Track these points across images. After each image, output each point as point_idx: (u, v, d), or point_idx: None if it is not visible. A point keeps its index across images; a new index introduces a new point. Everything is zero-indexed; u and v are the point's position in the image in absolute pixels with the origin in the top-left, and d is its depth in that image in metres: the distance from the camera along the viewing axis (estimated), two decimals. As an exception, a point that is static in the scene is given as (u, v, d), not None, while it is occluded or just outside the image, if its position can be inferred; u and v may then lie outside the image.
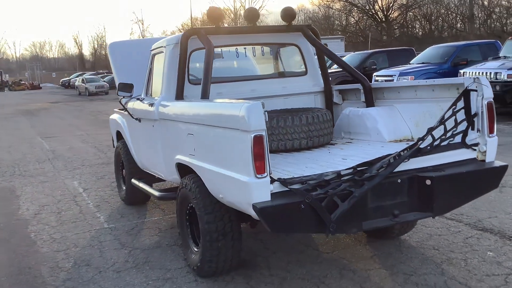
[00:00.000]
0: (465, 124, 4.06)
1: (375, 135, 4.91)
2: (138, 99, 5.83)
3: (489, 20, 46.83)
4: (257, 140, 3.34)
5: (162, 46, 5.47)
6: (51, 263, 5.02)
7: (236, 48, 5.65)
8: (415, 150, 3.79)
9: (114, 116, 7.22)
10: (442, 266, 4.48)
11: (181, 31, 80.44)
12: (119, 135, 7.10)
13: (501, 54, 14.40)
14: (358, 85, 5.43)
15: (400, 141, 4.81)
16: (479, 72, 13.12)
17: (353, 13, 58.21)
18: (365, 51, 20.57)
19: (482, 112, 4.05)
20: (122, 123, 6.68)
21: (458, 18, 48.92)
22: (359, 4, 55.73)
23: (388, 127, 4.87)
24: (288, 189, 3.48)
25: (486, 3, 45.25)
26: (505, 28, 45.53)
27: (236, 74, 5.77)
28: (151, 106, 5.29)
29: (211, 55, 4.86)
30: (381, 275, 4.35)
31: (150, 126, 5.41)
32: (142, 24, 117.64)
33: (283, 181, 3.49)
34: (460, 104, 4.07)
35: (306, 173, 3.76)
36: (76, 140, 14.02)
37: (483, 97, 4.02)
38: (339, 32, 54.64)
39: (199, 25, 72.54)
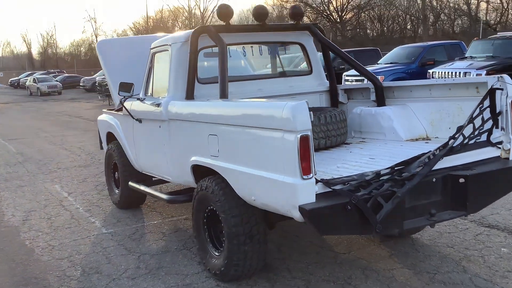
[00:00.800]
0: (490, 122, 4.09)
1: (390, 134, 4.90)
2: (138, 99, 5.62)
3: (438, 21, 48.22)
4: (304, 140, 3.26)
5: (166, 45, 5.29)
6: (57, 271, 4.77)
7: (243, 46, 5.54)
8: (448, 149, 3.79)
9: (104, 117, 6.96)
10: (462, 264, 4.52)
11: (132, 30, 79.43)
12: (110, 137, 6.86)
13: (467, 55, 14.77)
14: (364, 84, 5.42)
15: (416, 140, 4.82)
16: (448, 72, 13.42)
17: (308, 14, 58.70)
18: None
19: (506, 110, 4.09)
20: (115, 124, 6.44)
21: (407, 20, 50.15)
22: (314, 5, 56.27)
23: (404, 126, 4.87)
24: (330, 190, 3.41)
25: (435, 4, 46.55)
26: (454, 29, 47.07)
27: (243, 73, 5.66)
28: (158, 106, 5.11)
29: (225, 53, 4.74)
30: (406, 275, 4.35)
31: (155, 127, 5.22)
32: (95, 22, 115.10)
33: (326, 182, 3.41)
34: (486, 102, 4.10)
35: (341, 174, 3.70)
36: (43, 142, 13.50)
37: (507, 96, 4.06)
38: (294, 33, 55.02)
39: (152, 23, 71.65)
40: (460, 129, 3.94)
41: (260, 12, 5.20)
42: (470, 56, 14.50)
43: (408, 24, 51.78)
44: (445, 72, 13.49)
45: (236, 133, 3.87)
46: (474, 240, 5.04)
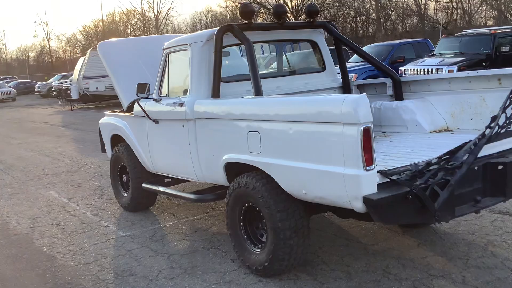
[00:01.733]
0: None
1: (413, 127, 5.06)
2: (154, 99, 5.58)
3: (389, 21, 49.46)
4: (366, 132, 3.34)
5: (184, 44, 5.28)
6: (89, 276, 4.69)
7: (261, 45, 5.59)
8: (487, 138, 3.95)
9: (108, 119, 6.86)
10: (489, 249, 4.70)
11: (82, 33, 77.66)
12: (114, 139, 6.76)
13: (436, 52, 15.27)
14: (379, 80, 5.56)
15: (439, 131, 4.99)
16: (421, 69, 13.84)
17: (262, 15, 58.97)
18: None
19: None
20: (123, 126, 6.36)
21: (359, 20, 51.22)
22: (269, 7, 56.56)
23: (426, 118, 5.04)
24: (388, 180, 3.51)
25: (384, 3, 47.73)
26: (405, 28, 48.35)
27: (262, 71, 5.70)
28: (181, 106, 5.09)
29: (253, 51, 4.79)
30: (440, 262, 4.49)
31: (177, 127, 5.20)
32: (47, 25, 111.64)
33: (384, 173, 3.51)
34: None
35: (391, 165, 3.81)
36: (18, 149, 13.12)
37: None
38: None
39: (102, 26, 70.39)
40: (494, 119, 4.11)
41: (279, 11, 5.26)
42: (439, 53, 15.00)
43: (359, 23, 52.79)
44: (417, 69, 13.90)
45: (283, 128, 3.91)
46: (491, 226, 5.25)
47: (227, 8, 64.70)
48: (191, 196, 5.31)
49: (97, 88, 25.48)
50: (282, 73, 5.74)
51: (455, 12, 45.62)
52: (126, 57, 6.71)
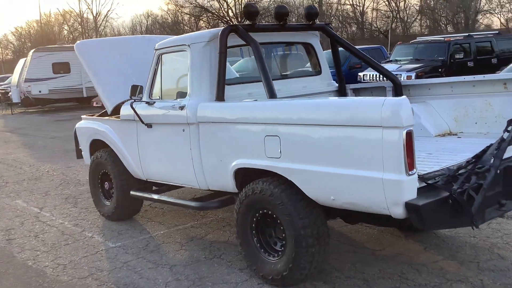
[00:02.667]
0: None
1: (418, 131, 5.03)
2: (147, 102, 5.31)
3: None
4: (409, 136, 3.26)
5: (182, 45, 5.05)
6: (89, 291, 4.38)
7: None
8: (508, 141, 3.97)
9: (87, 124, 6.50)
10: (495, 251, 4.75)
11: (14, 35, 74.45)
12: (94, 145, 6.41)
13: (392, 58, 15.61)
14: (377, 83, 5.54)
15: (443, 135, 5.00)
16: (378, 75, 14.07)
17: (206, 19, 58.65)
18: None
19: None
20: (106, 131, 6.03)
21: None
22: (213, 11, 56.40)
23: (430, 122, 5.04)
24: (425, 184, 3.45)
25: (327, 12, 48.66)
26: (347, 35, 49.46)
27: (273, 73, 5.54)
28: (181, 109, 4.86)
29: (261, 52, 4.65)
30: (453, 266, 4.48)
31: (176, 131, 4.97)
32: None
33: (422, 177, 3.44)
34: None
35: (420, 169, 3.75)
36: (-35, 156, 12.32)
37: None
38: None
39: (39, 27, 67.83)
40: (511, 122, 4.14)
41: (281, 12, 5.13)
42: (395, 59, 15.33)
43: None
44: (376, 75, 14.13)
45: (308, 133, 3.77)
46: (490, 229, 5.31)
47: (169, 12, 64.06)
48: (193, 204, 5.07)
49: (40, 92, 24.42)
50: (280, 76, 5.60)
51: (394, 21, 47.07)
52: (107, 58, 6.37)
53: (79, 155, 6.96)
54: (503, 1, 42.12)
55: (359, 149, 3.48)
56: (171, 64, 5.41)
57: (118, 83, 6.12)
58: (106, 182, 6.30)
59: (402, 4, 48.86)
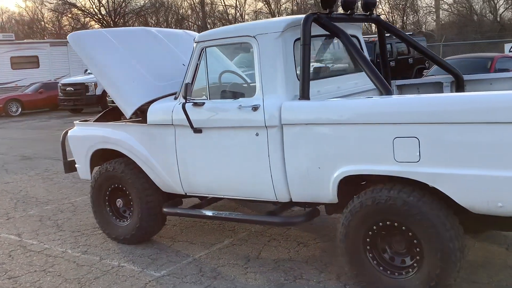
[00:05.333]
0: None
1: None
2: (195, 103, 4.54)
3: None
4: None
5: (243, 36, 4.37)
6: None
7: (334, 38, 4.89)
8: None
9: (88, 131, 5.47)
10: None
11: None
12: (96, 157, 5.42)
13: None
14: (433, 78, 5.29)
15: None
16: None
17: (72, 16, 55.20)
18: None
19: None
20: (124, 139, 5.09)
21: (190, 27, 51.17)
22: (83, 8, 53.28)
23: None
24: None
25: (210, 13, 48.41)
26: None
27: (328, 69, 5.00)
28: (254, 110, 4.19)
29: (354, 43, 4.16)
30: (475, 267, 4.26)
31: (246, 136, 4.28)
32: None
33: None
34: None
35: None
36: None
37: None
38: (47, 36, 51.97)
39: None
40: None
41: (349, 0, 4.65)
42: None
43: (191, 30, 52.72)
44: None
45: (467, 132, 3.33)
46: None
47: (27, 9, 59.86)
48: (273, 219, 4.41)
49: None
50: (338, 72, 5.10)
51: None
52: (110, 51, 5.39)
53: (69, 168, 5.86)
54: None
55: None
56: (219, 59, 4.69)
57: (134, 81, 5.21)
58: (119, 199, 5.34)
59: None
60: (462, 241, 3.59)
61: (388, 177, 3.75)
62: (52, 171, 9.32)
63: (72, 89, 19.53)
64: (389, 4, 41.08)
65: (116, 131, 5.19)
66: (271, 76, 4.22)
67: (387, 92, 3.90)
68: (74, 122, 5.70)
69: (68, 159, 5.85)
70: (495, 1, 36.39)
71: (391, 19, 38.92)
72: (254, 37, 4.30)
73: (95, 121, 5.70)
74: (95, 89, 19.29)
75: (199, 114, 4.53)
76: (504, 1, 35.95)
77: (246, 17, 48.64)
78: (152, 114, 4.88)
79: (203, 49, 4.59)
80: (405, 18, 41.36)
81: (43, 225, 6.17)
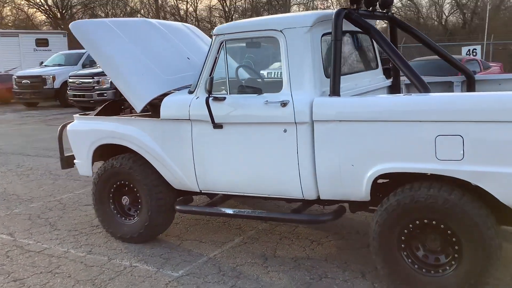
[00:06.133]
0: None
1: None
2: (216, 98, 4.40)
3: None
4: None
5: (269, 30, 4.27)
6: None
7: (356, 35, 4.84)
8: None
9: (91, 125, 5.22)
10: None
11: None
12: (98, 152, 5.20)
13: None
14: (444, 78, 5.34)
15: None
16: None
17: (16, 5, 53.03)
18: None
19: None
20: (134, 134, 4.88)
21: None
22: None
23: None
24: None
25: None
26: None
27: (351, 65, 4.94)
28: (283, 106, 4.10)
29: (385, 38, 4.14)
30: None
31: (273, 132, 4.18)
32: None
33: None
34: None
35: None
36: None
37: None
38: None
39: None
40: None
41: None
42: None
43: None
44: None
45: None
46: None
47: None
48: (299, 217, 4.33)
49: None
50: (355, 70, 5.06)
51: (230, 19, 47.66)
52: (116, 41, 5.16)
53: (66, 164, 5.59)
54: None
55: None
56: (240, 53, 4.57)
57: (144, 74, 5.01)
58: (125, 197, 5.12)
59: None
60: (500, 239, 3.63)
61: (420, 175, 3.75)
62: (25, 167, 8.88)
63: (29, 81, 18.68)
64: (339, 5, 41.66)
65: (125, 126, 4.97)
66: (299, 72, 4.14)
67: (426, 89, 3.89)
68: (74, 116, 5.42)
69: (65, 155, 5.58)
70: (442, 6, 37.66)
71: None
72: (281, 31, 4.21)
73: (96, 115, 5.45)
74: (53, 82, 18.55)
75: (220, 109, 4.40)
76: (449, 6, 37.26)
77: (201, 12, 48.40)
78: (167, 108, 4.70)
79: (222, 42, 4.46)
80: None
81: (34, 223, 5.85)
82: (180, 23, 6.40)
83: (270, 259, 4.65)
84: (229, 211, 4.67)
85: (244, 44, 4.69)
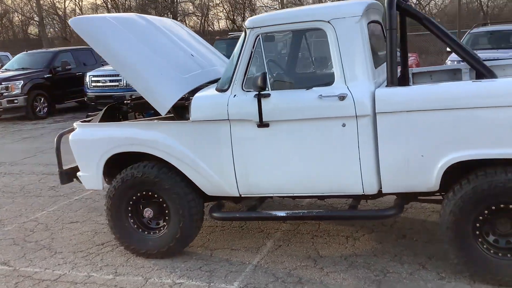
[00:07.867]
0: None
1: None
2: (261, 95, 4.11)
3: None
4: None
5: (315, 21, 4.07)
6: None
7: (376, 25, 4.70)
8: None
9: (101, 132, 4.68)
10: None
11: None
12: (110, 162, 4.69)
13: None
14: (448, 66, 5.42)
15: None
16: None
17: None
18: (48, 50, 17.82)
19: None
20: (160, 139, 4.43)
21: (25, 22, 46.94)
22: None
23: None
24: None
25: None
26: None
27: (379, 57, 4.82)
28: (341, 100, 3.93)
29: (440, 26, 4.11)
30: None
31: (330, 127, 3.99)
32: None
33: None
34: None
35: None
36: None
37: None
38: None
39: None
40: None
41: None
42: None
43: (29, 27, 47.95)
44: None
45: None
46: None
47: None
48: (362, 213, 4.21)
49: None
50: (381, 62, 4.95)
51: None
52: (123, 38, 4.67)
53: (66, 178, 4.98)
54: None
55: None
56: (279, 46, 4.32)
57: (162, 73, 4.58)
58: (148, 209, 4.66)
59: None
60: None
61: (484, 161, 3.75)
62: (-34, 186, 7.87)
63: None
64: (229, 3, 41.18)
65: (147, 131, 4.51)
66: (352, 63, 3.99)
67: (491, 75, 3.89)
68: (74, 124, 4.84)
69: (64, 169, 4.97)
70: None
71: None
72: (328, 22, 4.02)
73: (102, 120, 4.92)
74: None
75: (266, 106, 4.12)
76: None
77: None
78: (199, 109, 4.33)
79: (258, 35, 4.18)
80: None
81: (26, 248, 5.16)
82: (168, 19, 5.97)
83: (319, 260, 4.46)
84: (281, 213, 4.39)
85: (281, 37, 4.45)
